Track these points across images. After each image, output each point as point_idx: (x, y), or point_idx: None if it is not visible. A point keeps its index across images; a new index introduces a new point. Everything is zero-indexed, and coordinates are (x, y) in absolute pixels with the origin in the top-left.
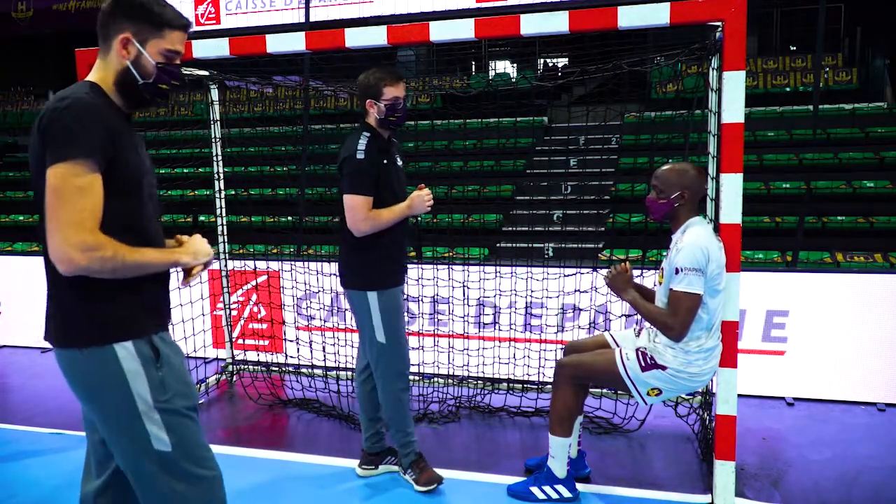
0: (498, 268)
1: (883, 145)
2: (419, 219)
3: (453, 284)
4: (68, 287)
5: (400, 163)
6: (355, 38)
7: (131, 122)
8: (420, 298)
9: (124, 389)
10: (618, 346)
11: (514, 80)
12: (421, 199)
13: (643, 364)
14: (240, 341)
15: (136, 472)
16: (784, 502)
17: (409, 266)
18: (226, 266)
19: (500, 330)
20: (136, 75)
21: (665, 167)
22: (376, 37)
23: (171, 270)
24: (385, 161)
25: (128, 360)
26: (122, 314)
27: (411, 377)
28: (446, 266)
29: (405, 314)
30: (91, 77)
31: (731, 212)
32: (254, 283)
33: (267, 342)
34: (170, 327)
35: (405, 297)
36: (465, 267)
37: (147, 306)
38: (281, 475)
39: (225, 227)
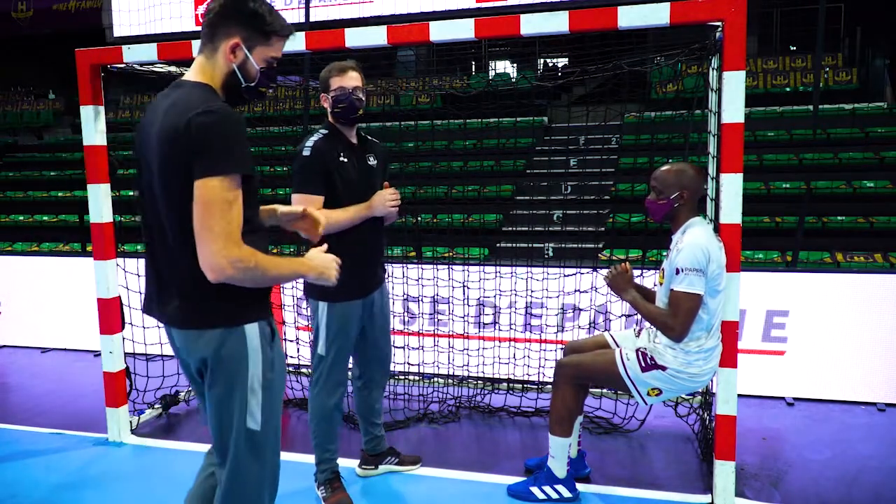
0: (498, 268)
1: (883, 145)
2: (419, 218)
3: (453, 284)
4: (205, 277)
5: (373, 163)
6: (355, 38)
7: None
8: (420, 298)
9: (244, 365)
10: (618, 346)
11: (514, 80)
12: (383, 198)
13: (643, 364)
14: None
15: (225, 447)
16: (784, 502)
17: (404, 266)
18: None
19: (500, 330)
20: (240, 78)
21: (663, 168)
22: (376, 37)
23: None
24: (343, 159)
25: (253, 339)
26: (251, 299)
27: (411, 377)
28: (446, 266)
29: (353, 333)
30: (200, 77)
31: (731, 212)
32: None
33: None
34: None
35: (400, 298)
36: (465, 267)
37: (266, 292)
38: (281, 475)
39: None
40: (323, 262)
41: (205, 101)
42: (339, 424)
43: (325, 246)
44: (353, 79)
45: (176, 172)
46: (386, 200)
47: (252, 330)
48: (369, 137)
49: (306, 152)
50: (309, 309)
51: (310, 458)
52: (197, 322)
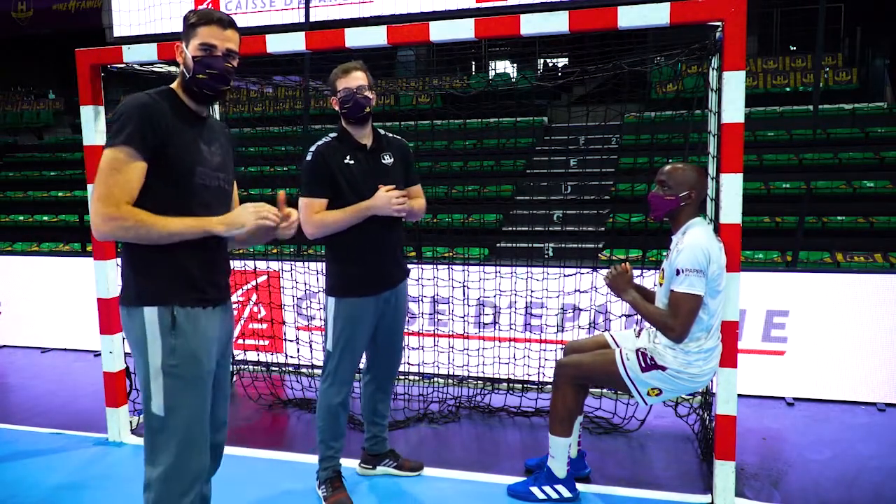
0: (498, 268)
1: (883, 145)
2: (421, 220)
3: (453, 284)
4: (125, 257)
5: (388, 161)
6: (355, 38)
7: (204, 121)
8: (420, 298)
9: (144, 347)
10: (618, 346)
11: (514, 80)
12: (388, 198)
13: (643, 365)
14: (240, 341)
15: (144, 423)
16: (784, 502)
17: (408, 267)
18: None
19: (500, 330)
20: (185, 73)
21: (675, 165)
22: (376, 37)
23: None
24: (349, 161)
25: (151, 323)
26: (154, 283)
27: (411, 377)
28: (446, 266)
29: (363, 330)
30: (172, 84)
31: (731, 212)
32: (254, 283)
33: (267, 342)
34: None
35: (412, 298)
36: (465, 267)
37: (181, 280)
38: (281, 475)
39: None
40: (239, 222)
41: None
42: (345, 423)
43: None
44: (356, 78)
45: None
46: (388, 199)
47: (150, 313)
48: (389, 135)
49: (309, 157)
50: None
51: (309, 458)
52: (120, 298)
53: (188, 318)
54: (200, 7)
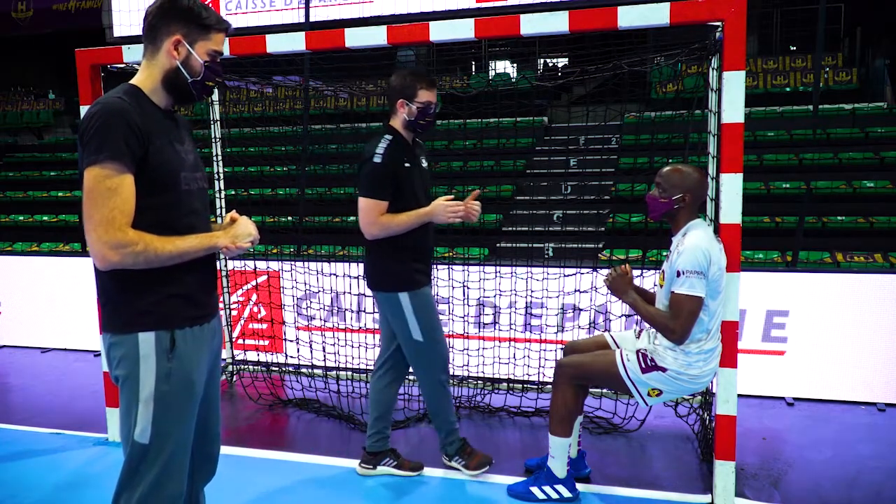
0: (498, 268)
1: (883, 145)
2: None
3: (453, 284)
4: (108, 279)
5: (425, 164)
6: (355, 38)
7: (173, 119)
8: None
9: (135, 375)
10: (618, 346)
11: (514, 80)
12: (444, 207)
13: (643, 366)
14: (240, 341)
15: (123, 450)
16: (784, 502)
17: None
18: (226, 266)
19: (500, 330)
20: (185, 74)
21: (671, 167)
22: (376, 37)
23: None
24: (407, 164)
25: (146, 349)
26: (150, 306)
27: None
28: (446, 266)
29: (437, 311)
30: (133, 80)
31: (731, 212)
32: (254, 283)
33: (267, 342)
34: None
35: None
36: (465, 267)
37: (180, 298)
38: (281, 475)
39: None
40: (245, 233)
41: (104, 96)
42: (451, 396)
43: (244, 218)
44: (436, 95)
45: (81, 169)
46: (446, 209)
47: (146, 338)
48: (418, 140)
49: (377, 159)
50: (376, 304)
51: (309, 458)
52: (102, 326)
53: (185, 340)
54: (207, 5)
